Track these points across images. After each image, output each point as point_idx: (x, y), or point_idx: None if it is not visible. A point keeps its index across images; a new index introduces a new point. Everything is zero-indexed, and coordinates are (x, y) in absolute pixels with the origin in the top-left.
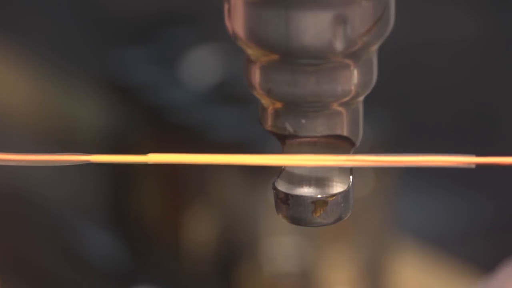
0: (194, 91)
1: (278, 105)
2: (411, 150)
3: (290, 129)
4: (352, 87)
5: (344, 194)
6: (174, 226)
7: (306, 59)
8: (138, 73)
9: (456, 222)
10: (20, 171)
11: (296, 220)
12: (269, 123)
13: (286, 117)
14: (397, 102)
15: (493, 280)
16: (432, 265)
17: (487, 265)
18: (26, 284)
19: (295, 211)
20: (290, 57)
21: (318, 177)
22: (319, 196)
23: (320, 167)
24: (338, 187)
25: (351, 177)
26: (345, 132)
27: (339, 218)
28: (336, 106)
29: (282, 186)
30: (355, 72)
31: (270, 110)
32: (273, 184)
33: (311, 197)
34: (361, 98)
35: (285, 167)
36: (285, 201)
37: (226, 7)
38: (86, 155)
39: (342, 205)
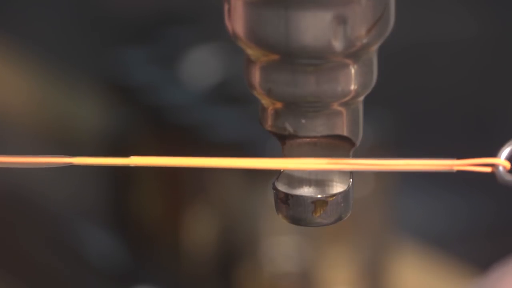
0: (194, 91)
1: (278, 105)
2: (411, 150)
3: (290, 129)
4: (352, 87)
5: (344, 194)
6: (174, 226)
7: (306, 59)
8: (138, 73)
9: (455, 222)
10: (20, 171)
11: (296, 220)
12: (269, 123)
13: (286, 117)
14: (397, 102)
15: (486, 280)
16: (432, 265)
17: (486, 265)
18: (26, 284)
19: (295, 211)
20: (290, 57)
21: (318, 177)
22: (319, 196)
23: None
24: (338, 187)
25: (351, 177)
26: (345, 132)
27: (339, 218)
28: (336, 106)
29: (282, 186)
30: (355, 72)
31: (270, 110)
32: (273, 184)
33: (311, 197)
34: (361, 98)
35: None
36: (285, 201)
37: (226, 7)
38: (68, 157)
39: (342, 205)
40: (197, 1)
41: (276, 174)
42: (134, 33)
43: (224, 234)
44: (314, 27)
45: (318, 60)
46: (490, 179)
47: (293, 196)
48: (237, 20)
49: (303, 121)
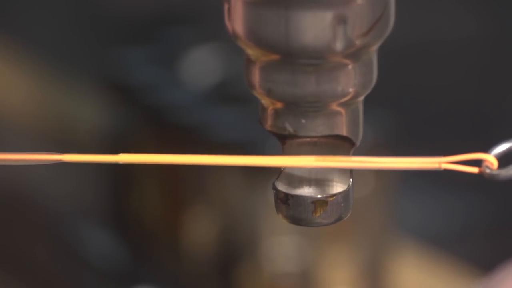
0: (194, 91)
1: (278, 105)
2: (411, 150)
3: (290, 129)
4: (352, 87)
5: (344, 194)
6: (174, 226)
7: (306, 59)
8: (138, 73)
9: (455, 222)
10: (19, 171)
11: (296, 220)
12: (269, 123)
13: (286, 117)
14: (397, 102)
15: (488, 282)
16: (431, 265)
17: (486, 265)
18: (26, 284)
19: (295, 211)
20: (290, 57)
21: (318, 177)
22: (319, 196)
23: (320, 167)
24: (338, 187)
25: (351, 177)
26: (345, 132)
27: (339, 218)
28: (336, 106)
29: (282, 186)
30: (355, 72)
31: (270, 110)
32: (273, 184)
33: (311, 197)
34: (361, 98)
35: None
36: (285, 201)
37: (226, 7)
38: (58, 154)
39: (342, 205)
40: (197, 1)
41: (276, 174)
42: (134, 33)
43: (224, 234)
44: (314, 27)
45: (318, 60)
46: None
47: (293, 196)
48: (237, 20)
49: (303, 121)
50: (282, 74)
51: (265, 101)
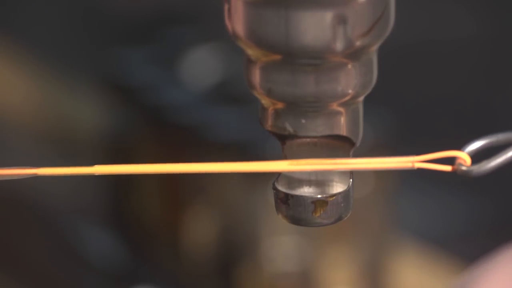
0: (194, 91)
1: (278, 105)
2: (411, 149)
3: (290, 129)
4: (352, 87)
5: (344, 194)
6: (174, 226)
7: (306, 59)
8: (138, 73)
9: (455, 222)
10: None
11: (296, 220)
12: (269, 123)
13: (286, 117)
14: (397, 102)
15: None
16: (431, 265)
17: None
18: (26, 284)
19: (295, 211)
20: (290, 57)
21: (318, 178)
22: (319, 196)
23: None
24: (338, 187)
25: (351, 177)
26: (345, 132)
27: (339, 218)
28: (336, 106)
29: (282, 186)
30: (355, 72)
31: (270, 110)
32: (273, 184)
33: (311, 197)
34: (361, 98)
35: None
36: (285, 201)
37: (226, 7)
38: (32, 168)
39: (342, 205)
40: (197, 1)
41: (276, 174)
42: (134, 33)
43: (224, 234)
44: (314, 27)
45: (318, 60)
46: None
47: (293, 196)
48: (237, 20)
49: (303, 121)
50: (282, 74)
51: (265, 101)
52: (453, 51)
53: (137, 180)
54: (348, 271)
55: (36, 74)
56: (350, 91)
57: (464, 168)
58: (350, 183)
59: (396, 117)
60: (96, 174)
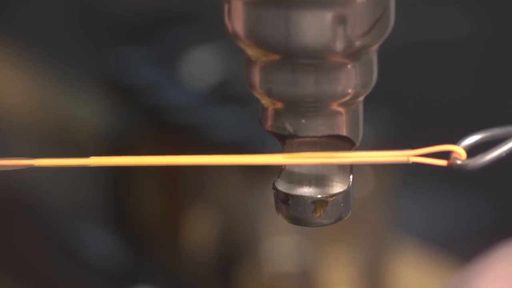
0: (194, 91)
1: (278, 105)
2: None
3: (290, 129)
4: (352, 87)
5: (344, 194)
6: (174, 226)
7: (306, 59)
8: (138, 73)
9: (455, 222)
10: (19, 171)
11: (296, 220)
12: (269, 123)
13: (286, 117)
14: (397, 101)
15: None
16: (432, 265)
17: None
18: (26, 284)
19: (295, 211)
20: (290, 57)
21: (318, 177)
22: (319, 196)
23: (320, 166)
24: (338, 187)
25: (351, 177)
26: (345, 132)
27: (339, 218)
28: (336, 106)
29: (282, 186)
30: (355, 72)
31: (270, 110)
32: (273, 184)
33: (311, 197)
34: (361, 98)
35: (285, 166)
36: (285, 201)
37: (226, 7)
38: (28, 159)
39: (342, 205)
40: (197, 1)
41: (276, 174)
42: (134, 33)
43: (224, 234)
44: (314, 27)
45: (318, 60)
46: (490, 179)
47: (293, 196)
48: (237, 20)
49: (303, 121)
50: (282, 74)
51: (265, 101)
52: (453, 51)
53: (137, 179)
54: (348, 271)
55: (36, 74)
56: (350, 91)
57: (459, 162)
58: (350, 183)
59: (396, 117)
60: (92, 166)
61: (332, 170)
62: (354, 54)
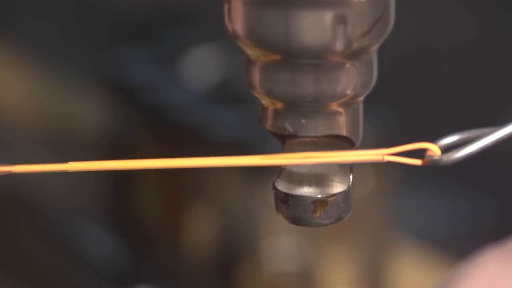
0: (194, 91)
1: (278, 105)
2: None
3: (290, 129)
4: (352, 87)
5: (344, 194)
6: (174, 226)
7: (306, 59)
8: (138, 73)
9: (455, 222)
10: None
11: (296, 220)
12: (269, 123)
13: (286, 117)
14: (397, 101)
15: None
16: (432, 265)
17: None
18: (26, 284)
19: (295, 211)
20: (290, 57)
21: (318, 177)
22: (319, 196)
23: (320, 166)
24: (338, 187)
25: (351, 177)
26: (345, 132)
27: (339, 218)
28: (336, 106)
29: (282, 186)
30: (355, 72)
31: (270, 110)
32: (273, 184)
33: (311, 197)
34: (361, 98)
35: (285, 166)
36: (285, 201)
37: (226, 7)
38: (6, 165)
39: (342, 205)
40: (197, 1)
41: (276, 174)
42: (134, 33)
43: (224, 234)
44: (314, 27)
45: (318, 60)
46: (491, 178)
47: (293, 196)
48: (237, 20)
49: (303, 121)
50: (282, 74)
51: (265, 101)
52: (453, 51)
53: (137, 179)
54: (348, 271)
55: (36, 74)
56: (350, 91)
57: (433, 158)
58: (350, 183)
59: (396, 117)
60: (70, 171)
61: (332, 170)
62: (354, 54)
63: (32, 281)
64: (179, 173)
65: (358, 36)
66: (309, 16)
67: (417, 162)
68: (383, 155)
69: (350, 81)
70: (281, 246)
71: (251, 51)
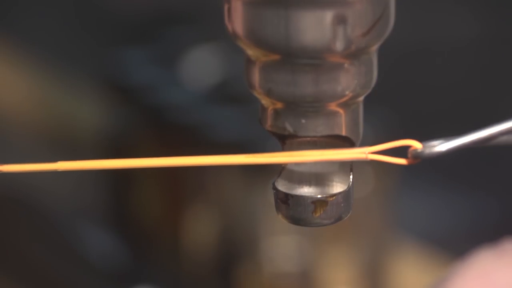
0: (194, 91)
1: (278, 105)
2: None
3: (290, 129)
4: (352, 87)
5: (344, 194)
6: (174, 226)
7: (306, 59)
8: (138, 73)
9: (455, 222)
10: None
11: (296, 220)
12: (269, 123)
13: (286, 117)
14: (398, 101)
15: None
16: (432, 265)
17: None
18: (26, 284)
19: (295, 211)
20: (290, 57)
21: (318, 177)
22: (319, 196)
23: (319, 166)
24: (338, 187)
25: (351, 176)
26: (344, 132)
27: (339, 218)
28: (335, 106)
29: (282, 186)
30: (355, 72)
31: (270, 110)
32: (273, 184)
33: (311, 197)
34: (361, 98)
35: (285, 166)
36: (285, 201)
37: (226, 7)
38: None
39: (342, 205)
40: (197, 1)
41: (276, 174)
42: (134, 33)
43: (224, 234)
44: (314, 27)
45: (318, 60)
46: (491, 178)
47: (293, 196)
48: (237, 20)
49: (303, 121)
50: (282, 74)
51: (265, 101)
52: (453, 51)
53: (137, 179)
54: (348, 271)
55: (36, 74)
56: (350, 91)
57: (416, 151)
58: (350, 183)
59: (396, 117)
60: (60, 170)
61: (332, 170)
62: (354, 54)
63: (32, 281)
64: (179, 173)
65: (358, 36)
66: (309, 16)
67: (402, 161)
68: (366, 153)
69: (350, 81)
70: (281, 246)
71: (251, 51)
